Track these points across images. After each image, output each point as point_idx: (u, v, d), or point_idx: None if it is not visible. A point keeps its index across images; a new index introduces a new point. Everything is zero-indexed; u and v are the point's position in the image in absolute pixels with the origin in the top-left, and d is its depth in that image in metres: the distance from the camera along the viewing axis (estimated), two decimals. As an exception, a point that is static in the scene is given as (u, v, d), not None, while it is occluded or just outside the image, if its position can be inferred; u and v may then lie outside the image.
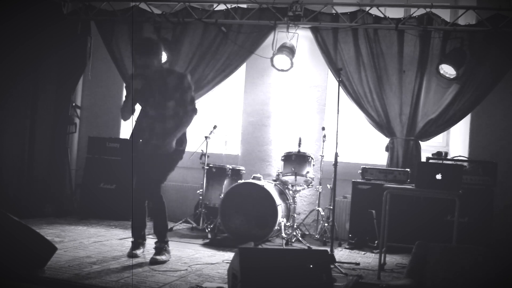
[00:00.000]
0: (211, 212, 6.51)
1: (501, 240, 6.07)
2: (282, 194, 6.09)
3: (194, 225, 6.55)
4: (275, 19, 6.86)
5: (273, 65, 6.81)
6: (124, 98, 4.95)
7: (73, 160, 7.75)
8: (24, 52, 6.73)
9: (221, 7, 7.14)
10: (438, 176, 4.50)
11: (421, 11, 6.53)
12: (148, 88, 4.68)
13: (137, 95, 4.67)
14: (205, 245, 5.63)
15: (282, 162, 6.20)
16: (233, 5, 7.06)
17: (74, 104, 7.53)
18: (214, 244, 5.66)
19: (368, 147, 7.33)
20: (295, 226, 6.04)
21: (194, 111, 4.75)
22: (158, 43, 4.78)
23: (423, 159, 6.30)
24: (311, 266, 3.41)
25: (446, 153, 6.27)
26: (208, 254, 5.15)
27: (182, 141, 4.76)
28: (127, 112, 4.79)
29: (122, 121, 7.87)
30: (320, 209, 6.43)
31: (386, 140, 6.78)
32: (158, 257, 4.58)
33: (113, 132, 7.77)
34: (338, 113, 5.15)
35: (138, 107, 4.98)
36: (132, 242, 4.86)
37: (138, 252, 4.79)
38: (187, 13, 7.15)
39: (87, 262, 4.41)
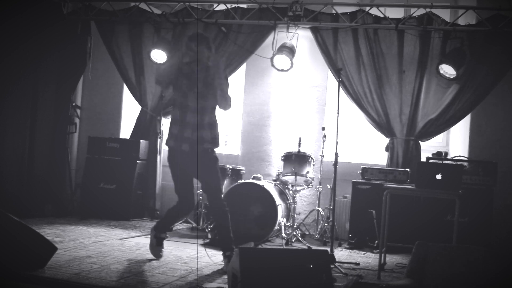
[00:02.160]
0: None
1: (501, 240, 6.07)
2: (282, 194, 6.09)
3: (194, 225, 6.55)
4: (275, 19, 6.86)
5: (273, 65, 6.81)
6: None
7: (73, 160, 7.75)
8: (24, 52, 6.72)
9: (221, 7, 7.14)
10: (438, 176, 4.50)
11: (421, 11, 6.53)
12: (191, 89, 4.63)
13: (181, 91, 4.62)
14: (205, 245, 5.63)
15: (282, 162, 6.20)
16: (233, 5, 7.06)
17: (74, 104, 7.53)
18: (214, 244, 5.66)
19: (368, 147, 7.33)
20: (295, 226, 6.04)
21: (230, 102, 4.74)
22: (209, 39, 4.81)
23: (423, 159, 6.30)
24: (311, 266, 3.41)
25: (446, 153, 6.26)
26: (208, 254, 5.15)
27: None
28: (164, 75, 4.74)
29: (122, 121, 7.90)
30: (320, 209, 6.42)
31: (386, 140, 6.78)
32: None
33: (113, 132, 7.77)
34: (338, 113, 5.15)
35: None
36: (157, 236, 4.82)
37: (162, 251, 4.83)
38: (187, 13, 7.15)
39: (87, 262, 4.41)
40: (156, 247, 4.82)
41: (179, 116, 4.67)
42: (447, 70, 6.41)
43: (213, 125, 4.74)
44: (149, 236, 4.98)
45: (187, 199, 4.77)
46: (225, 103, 4.66)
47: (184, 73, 4.65)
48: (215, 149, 4.76)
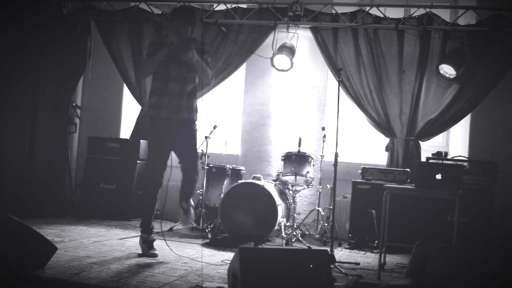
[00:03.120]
0: (211, 212, 6.51)
1: (501, 240, 6.07)
2: (282, 194, 6.09)
3: (194, 225, 6.54)
4: (275, 19, 6.86)
5: (273, 65, 6.81)
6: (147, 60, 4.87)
7: (73, 160, 7.75)
8: (24, 52, 6.72)
9: (221, 7, 7.14)
10: (438, 176, 4.50)
11: (421, 11, 6.53)
12: (173, 59, 4.73)
13: (162, 61, 4.72)
14: (205, 245, 5.63)
15: (282, 162, 6.20)
16: (233, 5, 7.06)
17: (74, 104, 7.53)
18: (214, 244, 5.66)
19: (368, 147, 7.33)
20: (295, 226, 6.04)
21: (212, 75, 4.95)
22: (196, 13, 4.90)
23: (423, 159, 6.30)
24: (311, 266, 3.41)
25: (446, 153, 6.26)
26: (208, 254, 5.15)
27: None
28: (151, 66, 4.76)
29: (122, 121, 7.90)
30: (320, 209, 6.43)
31: (386, 140, 6.78)
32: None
33: (113, 132, 7.77)
34: (338, 113, 5.15)
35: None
36: (146, 241, 4.91)
37: (156, 251, 4.91)
38: (187, 13, 7.14)
39: (87, 262, 4.41)
40: (149, 252, 4.86)
41: (160, 85, 4.78)
42: (447, 70, 6.41)
43: (193, 95, 4.87)
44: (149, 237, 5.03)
45: (157, 175, 4.91)
46: (206, 77, 4.86)
47: (162, 44, 4.74)
48: (195, 121, 4.91)
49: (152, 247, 4.90)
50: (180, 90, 4.77)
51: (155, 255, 4.81)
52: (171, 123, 4.78)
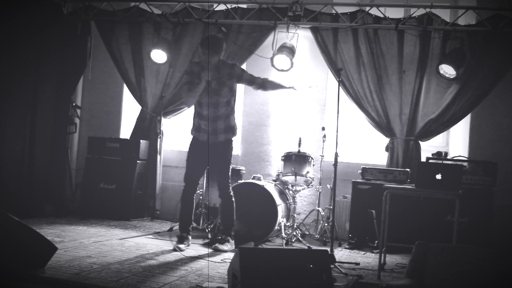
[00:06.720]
0: (211, 212, 6.51)
1: (501, 240, 6.07)
2: (282, 194, 6.09)
3: (194, 225, 6.53)
4: (275, 19, 6.86)
5: (273, 65, 6.80)
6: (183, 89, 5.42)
7: (73, 160, 7.75)
8: (24, 52, 6.72)
9: (221, 7, 7.14)
10: (438, 176, 4.50)
11: (421, 11, 6.53)
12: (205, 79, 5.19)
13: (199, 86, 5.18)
14: (205, 245, 5.63)
15: (282, 162, 6.20)
16: (233, 5, 7.06)
17: (74, 104, 7.52)
18: (214, 243, 5.65)
19: (368, 147, 7.33)
20: (295, 226, 6.04)
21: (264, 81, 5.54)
22: (222, 40, 5.35)
23: (423, 159, 6.30)
24: (311, 266, 3.41)
25: (446, 153, 6.25)
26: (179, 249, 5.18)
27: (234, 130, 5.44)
28: (192, 98, 5.25)
29: (122, 121, 7.90)
30: (320, 209, 6.43)
31: (386, 140, 6.78)
32: (220, 245, 5.28)
33: (113, 132, 7.77)
34: (338, 113, 5.15)
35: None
36: (177, 236, 5.45)
37: (182, 246, 5.28)
38: (187, 13, 7.15)
39: (87, 262, 4.42)
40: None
41: (197, 110, 5.32)
42: (447, 70, 6.41)
43: (228, 116, 5.30)
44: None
45: (193, 184, 5.41)
46: (263, 83, 5.53)
47: (195, 73, 5.23)
48: (232, 138, 5.38)
49: (181, 242, 5.33)
50: (215, 113, 5.23)
51: (180, 249, 5.17)
52: (210, 144, 5.22)
